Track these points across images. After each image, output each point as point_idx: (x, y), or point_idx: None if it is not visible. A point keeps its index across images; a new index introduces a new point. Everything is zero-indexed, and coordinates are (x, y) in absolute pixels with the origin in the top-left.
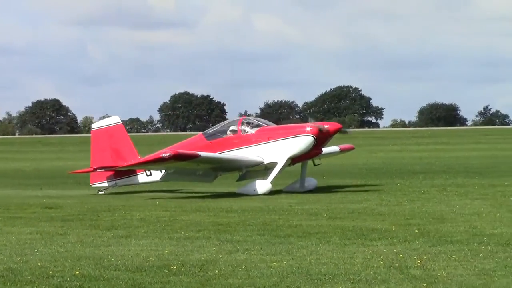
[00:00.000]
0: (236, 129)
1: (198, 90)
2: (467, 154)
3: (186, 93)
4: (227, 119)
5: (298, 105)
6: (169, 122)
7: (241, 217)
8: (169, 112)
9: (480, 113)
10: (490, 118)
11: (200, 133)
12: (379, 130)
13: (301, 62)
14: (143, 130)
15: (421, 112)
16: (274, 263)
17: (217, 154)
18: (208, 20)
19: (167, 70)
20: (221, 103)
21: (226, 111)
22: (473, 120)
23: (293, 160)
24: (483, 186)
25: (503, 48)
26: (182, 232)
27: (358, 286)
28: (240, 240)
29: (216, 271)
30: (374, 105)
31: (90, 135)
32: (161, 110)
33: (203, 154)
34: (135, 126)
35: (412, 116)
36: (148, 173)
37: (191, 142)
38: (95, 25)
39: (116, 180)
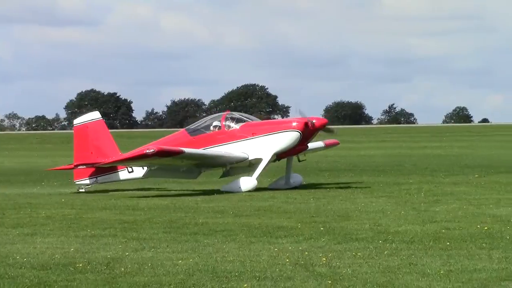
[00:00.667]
0: (220, 124)
1: (104, 88)
2: (372, 153)
3: (92, 91)
4: (215, 116)
5: (205, 103)
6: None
7: (147, 215)
8: (76, 109)
9: (385, 112)
10: (395, 116)
11: (183, 129)
12: None
13: (207, 60)
14: (49, 128)
15: (327, 110)
16: (180, 261)
17: (201, 150)
18: (115, 18)
19: (73, 68)
20: (128, 100)
21: (133, 109)
22: (378, 119)
23: (278, 156)
24: (388, 184)
25: (408, 47)
26: (88, 230)
27: (264, 284)
28: (146, 238)
29: (122, 269)
30: (280, 103)
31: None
32: (67, 107)
33: (187, 150)
34: (41, 124)
35: (318, 114)
36: (130, 169)
37: (174, 138)
38: (0, 22)
39: (97, 177)
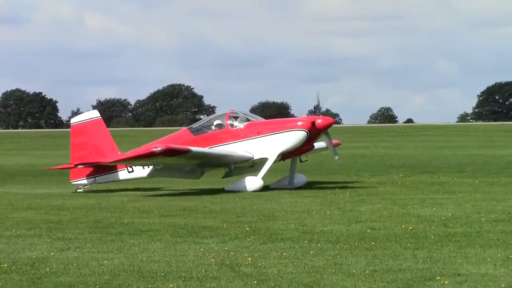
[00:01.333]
0: (223, 123)
1: (29, 87)
2: None
3: (17, 90)
4: (218, 115)
5: (131, 103)
6: (0, 119)
7: (73, 215)
8: (1, 109)
9: (310, 112)
10: None
11: (185, 127)
12: None
13: (133, 60)
14: None
15: (253, 110)
16: (105, 261)
17: (208, 150)
18: (40, 17)
19: None
20: (54, 100)
21: (59, 108)
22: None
23: (283, 156)
24: (313, 184)
25: (333, 47)
26: (13, 230)
27: (190, 284)
28: (72, 238)
29: (48, 269)
30: (206, 104)
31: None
32: None
33: (194, 149)
34: None
35: None
36: (130, 169)
37: (176, 137)
38: None
39: (95, 177)
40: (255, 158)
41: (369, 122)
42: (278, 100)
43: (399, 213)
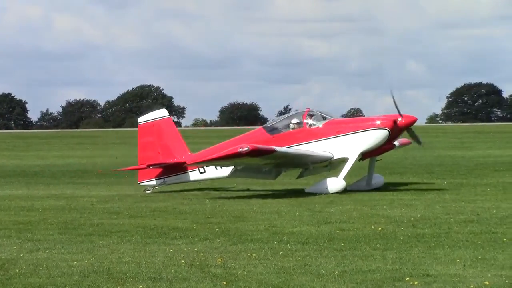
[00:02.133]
0: (301, 122)
1: None
2: None
3: None
4: (294, 113)
5: (100, 104)
6: None
7: (42, 216)
8: None
9: (280, 113)
10: None
11: (260, 126)
12: (181, 129)
13: (102, 61)
14: None
15: (222, 111)
16: (75, 262)
17: (291, 149)
18: (8, 18)
19: None
20: (23, 101)
21: (28, 109)
22: (273, 120)
23: (363, 156)
24: (283, 184)
25: (302, 48)
26: None
27: (159, 285)
28: (41, 239)
29: (17, 270)
30: (176, 104)
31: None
32: None
33: (278, 149)
34: None
35: (214, 116)
36: (202, 170)
37: (251, 136)
38: None
39: (164, 178)
40: (334, 158)
41: None
42: (248, 101)
43: (369, 214)
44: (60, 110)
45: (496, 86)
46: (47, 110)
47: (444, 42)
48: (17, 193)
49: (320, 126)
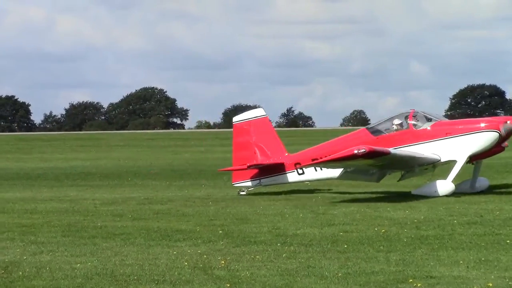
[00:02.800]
0: (407, 123)
1: (1, 91)
2: None
3: None
4: (397, 115)
5: (104, 106)
6: None
7: (46, 218)
8: None
9: (283, 115)
10: (294, 119)
11: (363, 127)
12: (184, 132)
13: (105, 63)
14: None
15: (226, 113)
16: (78, 265)
17: (403, 152)
18: (11, 20)
19: None
20: (26, 103)
21: (31, 112)
22: (277, 122)
23: (472, 158)
24: (287, 186)
25: (304, 50)
26: None
27: (163, 287)
28: (45, 241)
29: (20, 273)
30: (179, 107)
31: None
32: None
33: (393, 151)
34: None
35: (217, 118)
36: (300, 171)
37: (353, 137)
38: None
39: (260, 179)
40: (442, 160)
41: (341, 124)
42: (251, 103)
43: (372, 216)
44: (64, 112)
45: (499, 87)
46: (51, 113)
47: (447, 44)
48: (21, 195)
49: (428, 127)
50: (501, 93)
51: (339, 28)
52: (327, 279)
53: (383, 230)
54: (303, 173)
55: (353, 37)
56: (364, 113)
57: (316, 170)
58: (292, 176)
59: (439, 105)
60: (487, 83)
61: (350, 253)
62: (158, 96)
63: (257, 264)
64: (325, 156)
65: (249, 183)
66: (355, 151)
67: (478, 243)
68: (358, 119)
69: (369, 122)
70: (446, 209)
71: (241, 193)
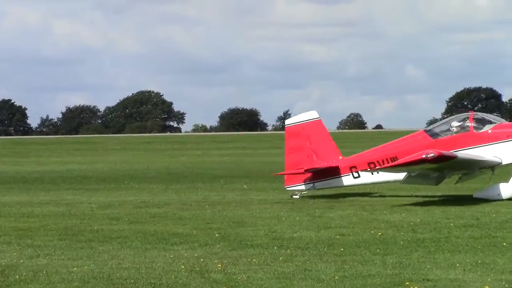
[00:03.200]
0: (466, 126)
1: None
2: (267, 159)
3: None
4: (455, 116)
5: (100, 110)
6: None
7: (42, 222)
8: None
9: (280, 118)
10: None
11: (421, 129)
12: (180, 135)
13: (101, 66)
14: None
15: (222, 117)
16: (75, 268)
17: (467, 155)
18: (7, 23)
19: None
20: (23, 107)
21: (28, 115)
22: (273, 125)
23: None
24: (283, 190)
25: (301, 53)
26: None
27: None
28: (41, 245)
29: (17, 277)
30: (175, 110)
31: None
32: None
33: (459, 154)
34: None
35: (214, 121)
36: (356, 174)
37: (412, 140)
38: None
39: (314, 182)
40: (503, 163)
41: (338, 128)
42: (248, 106)
43: (368, 219)
44: (60, 116)
45: (495, 90)
46: (47, 116)
47: (444, 47)
48: (17, 199)
49: (489, 130)
50: (498, 96)
51: (336, 31)
52: (324, 282)
53: (379, 233)
54: (358, 176)
55: (349, 40)
56: (360, 116)
57: (372, 174)
58: (348, 180)
59: (436, 108)
60: (484, 86)
61: (346, 256)
62: (155, 100)
63: (254, 267)
64: (382, 160)
65: (302, 187)
66: (424, 156)
67: (474, 246)
68: (354, 122)
69: (365, 125)
70: (443, 211)
71: (294, 196)
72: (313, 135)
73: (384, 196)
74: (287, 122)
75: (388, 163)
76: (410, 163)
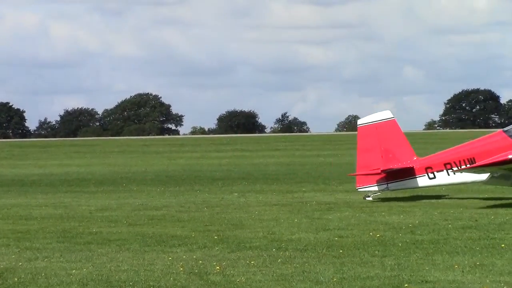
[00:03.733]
0: None
1: None
2: (265, 161)
3: None
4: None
5: (98, 112)
6: None
7: (41, 225)
8: None
9: (278, 120)
10: (288, 125)
11: (499, 130)
12: (179, 137)
13: (99, 69)
14: None
15: (221, 119)
16: (74, 271)
17: None
18: (5, 26)
19: None
20: (21, 110)
21: (26, 118)
22: (271, 127)
23: None
24: (282, 192)
25: (299, 55)
26: None
27: None
28: (40, 247)
29: (16, 279)
30: (174, 112)
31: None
32: None
33: None
34: None
35: (212, 124)
36: (431, 175)
37: (489, 141)
38: None
39: (387, 183)
40: None
41: (336, 130)
42: (246, 108)
43: (367, 220)
44: (58, 118)
45: (493, 92)
46: (45, 119)
47: (442, 49)
48: (16, 202)
49: None
50: (496, 98)
51: (333, 33)
52: (323, 284)
53: (378, 235)
54: (434, 177)
55: (347, 42)
56: (359, 118)
57: (448, 175)
58: (423, 181)
59: (434, 110)
60: (482, 88)
61: (345, 258)
62: (153, 102)
63: (253, 269)
64: (459, 161)
65: (375, 188)
66: (510, 156)
67: (473, 248)
68: (353, 124)
69: None
70: (441, 213)
71: (367, 198)
72: (386, 135)
73: (452, 199)
74: (359, 122)
75: (465, 164)
76: (495, 164)
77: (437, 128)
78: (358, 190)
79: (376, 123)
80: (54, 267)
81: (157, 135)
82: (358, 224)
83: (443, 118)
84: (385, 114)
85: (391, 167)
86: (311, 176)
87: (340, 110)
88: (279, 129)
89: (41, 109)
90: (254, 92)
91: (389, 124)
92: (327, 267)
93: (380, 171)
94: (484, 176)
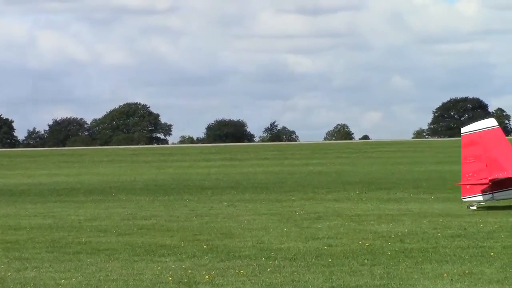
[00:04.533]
0: None
1: None
2: (254, 170)
3: None
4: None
5: (87, 122)
6: None
7: (30, 235)
8: None
9: (267, 129)
10: (277, 134)
11: None
12: (167, 147)
13: (88, 79)
14: None
15: (209, 128)
16: (63, 280)
17: None
18: None
19: None
20: (9, 120)
21: (15, 128)
22: (260, 136)
23: None
24: (271, 201)
25: (288, 64)
26: None
27: None
28: (29, 257)
29: None
30: (162, 122)
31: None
32: None
33: None
34: None
35: (201, 133)
36: None
37: None
38: None
39: (493, 193)
40: None
41: (325, 139)
42: (234, 118)
43: (356, 229)
44: (47, 128)
45: (482, 100)
46: (34, 129)
47: (430, 57)
48: (4, 211)
49: None
50: (484, 106)
51: (322, 42)
52: None
53: (367, 244)
54: None
55: (336, 51)
56: (347, 127)
57: None
58: None
59: (422, 119)
60: (470, 96)
61: (334, 267)
62: (142, 112)
63: (242, 278)
64: None
65: (480, 197)
66: None
67: (462, 256)
68: (341, 133)
69: (352, 136)
70: (430, 222)
71: (471, 207)
72: (491, 144)
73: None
74: (463, 130)
75: None
76: None
77: (426, 136)
78: (463, 200)
79: (480, 131)
80: (43, 277)
81: (146, 144)
82: (347, 233)
83: (432, 126)
84: (490, 122)
85: (498, 176)
86: (300, 185)
87: (328, 119)
88: (267, 138)
89: (30, 119)
90: (242, 101)
91: (494, 132)
92: (316, 276)
93: (488, 181)
94: None
